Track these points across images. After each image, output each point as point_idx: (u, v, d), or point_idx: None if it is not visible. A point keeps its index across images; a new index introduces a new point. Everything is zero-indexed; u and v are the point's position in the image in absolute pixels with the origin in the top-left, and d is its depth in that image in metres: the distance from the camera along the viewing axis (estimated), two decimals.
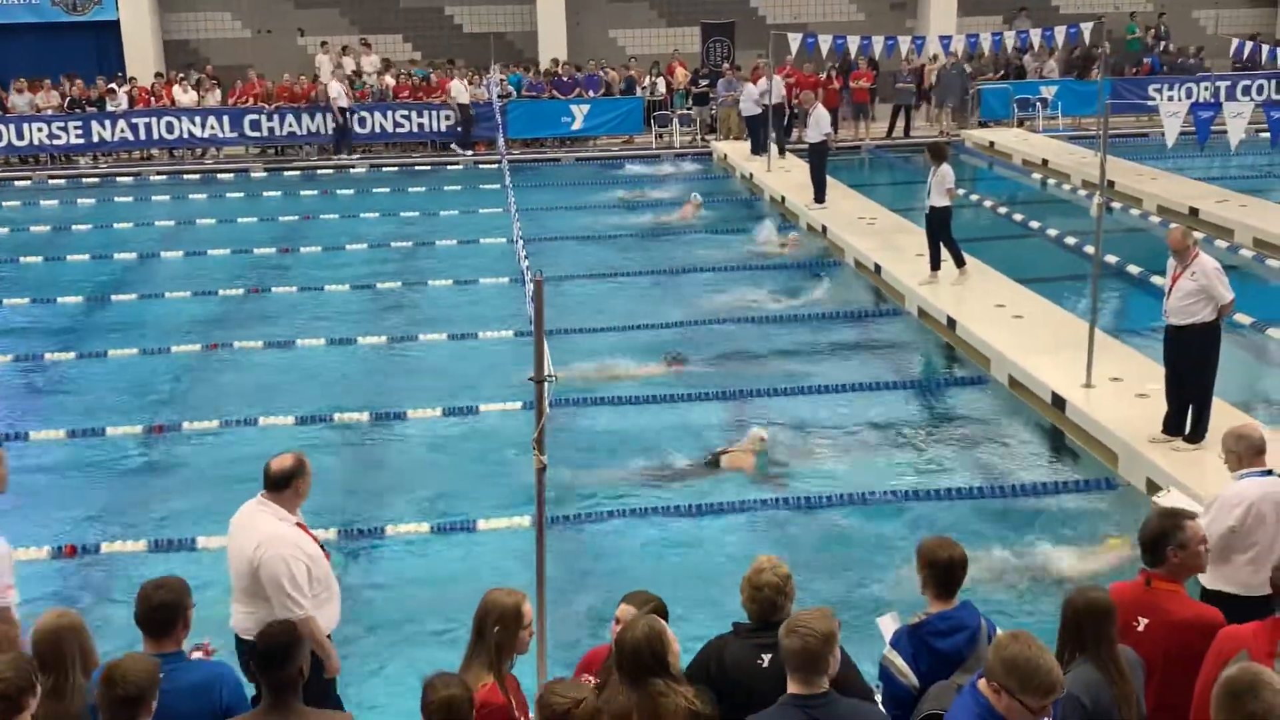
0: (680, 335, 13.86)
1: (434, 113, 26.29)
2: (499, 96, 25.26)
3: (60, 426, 11.28)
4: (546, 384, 5.70)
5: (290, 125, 26.00)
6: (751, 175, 22.89)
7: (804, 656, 4.13)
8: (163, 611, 4.67)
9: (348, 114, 25.60)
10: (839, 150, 21.69)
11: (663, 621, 4.53)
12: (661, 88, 27.30)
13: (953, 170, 14.51)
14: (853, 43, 24.42)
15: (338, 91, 25.38)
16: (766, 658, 4.56)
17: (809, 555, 8.56)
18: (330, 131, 25.86)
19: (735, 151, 24.92)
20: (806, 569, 7.75)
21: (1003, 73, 28.39)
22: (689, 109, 27.41)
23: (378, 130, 26.40)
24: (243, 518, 5.82)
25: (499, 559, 8.47)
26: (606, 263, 17.17)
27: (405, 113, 26.25)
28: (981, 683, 4.06)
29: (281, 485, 5.77)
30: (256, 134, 25.97)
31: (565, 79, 27.07)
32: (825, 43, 23.67)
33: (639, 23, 29.71)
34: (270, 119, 25.81)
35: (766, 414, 11.36)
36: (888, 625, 5.30)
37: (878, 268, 15.78)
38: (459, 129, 26.15)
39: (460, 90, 25.79)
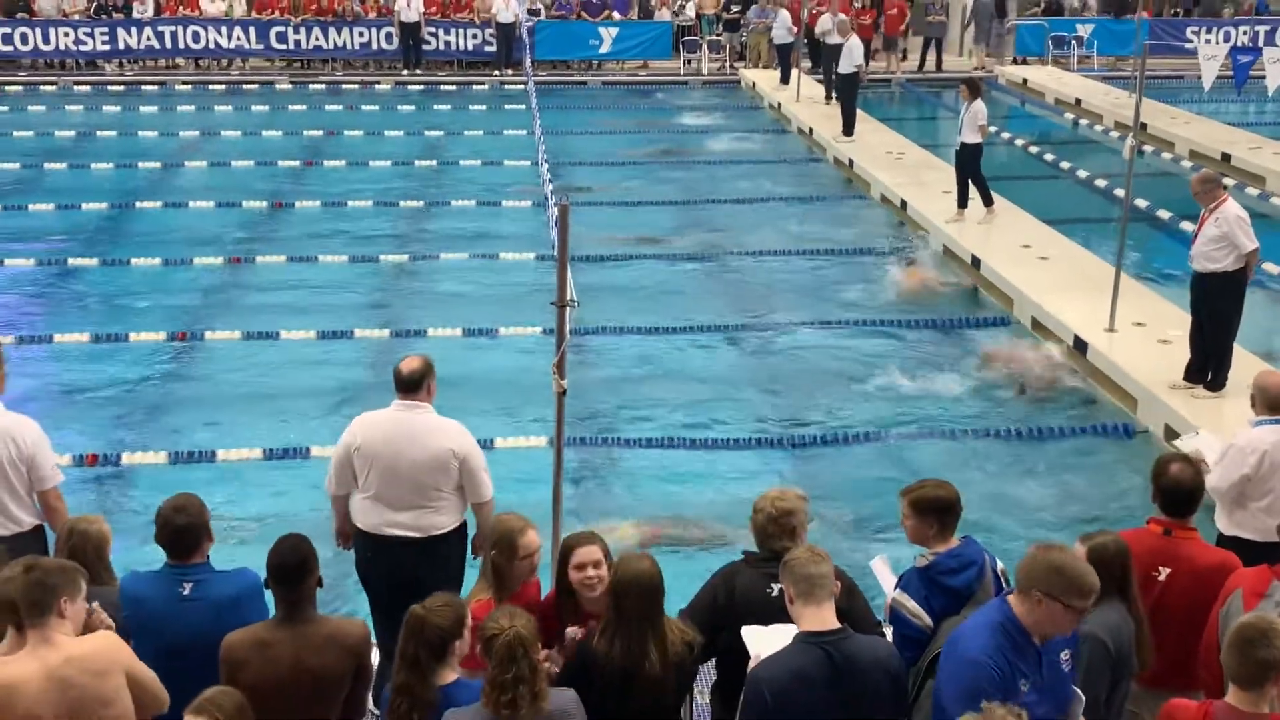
0: (699, 264, 13.84)
1: (462, 31, 26.00)
2: (528, 14, 24.99)
3: (84, 330, 11.35)
4: (568, 309, 5.71)
5: (317, 39, 25.76)
6: (780, 105, 22.64)
7: (810, 581, 4.13)
8: (186, 534, 4.71)
9: (417, 28, 25.32)
10: (869, 83, 21.35)
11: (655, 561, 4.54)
12: (690, 12, 26.91)
13: (986, 107, 14.32)
14: None
15: (404, 5, 25.13)
16: (776, 587, 4.57)
17: (815, 489, 8.59)
18: (398, 46, 25.63)
19: (764, 80, 24.62)
20: (816, 504, 7.78)
21: (1041, 7, 27.88)
22: (718, 35, 27.04)
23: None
24: (403, 424, 5.72)
25: (514, 480, 8.52)
26: (631, 187, 17.08)
27: (432, 30, 25.96)
28: (1013, 598, 4.10)
29: (416, 386, 5.75)
30: (283, 46, 25.74)
31: (594, 1, 26.71)
32: None
33: None
34: (297, 31, 25.57)
35: (779, 349, 11.37)
36: (881, 569, 5.32)
37: (904, 203, 15.64)
38: (498, 48, 25.80)
39: (502, 8, 25.44)
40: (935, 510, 4.79)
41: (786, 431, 9.69)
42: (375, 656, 5.24)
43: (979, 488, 8.39)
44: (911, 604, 4.75)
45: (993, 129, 15.69)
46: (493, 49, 25.88)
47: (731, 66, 26.77)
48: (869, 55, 21.95)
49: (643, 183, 17.60)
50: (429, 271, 13.59)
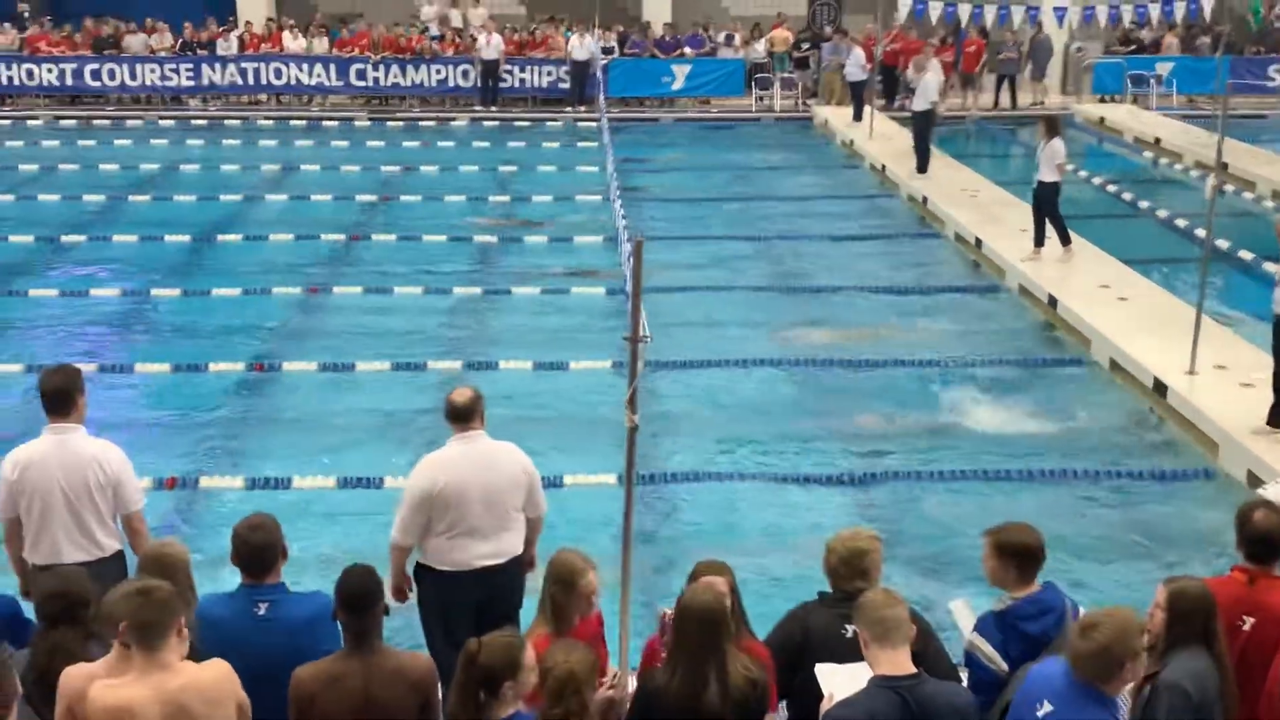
0: (774, 300, 13.82)
1: (537, 68, 26.31)
2: (602, 51, 25.25)
3: (165, 360, 11.58)
4: (641, 344, 5.71)
5: (395, 76, 26.20)
6: (852, 141, 22.59)
7: (884, 625, 4.10)
8: (263, 552, 4.78)
9: (496, 66, 25.71)
10: (944, 120, 21.26)
11: (723, 589, 4.55)
12: (762, 49, 26.99)
13: (1064, 145, 14.18)
14: (964, 10, 23.93)
15: (484, 43, 25.57)
16: (851, 628, 4.53)
17: (889, 528, 8.50)
18: (476, 83, 26.05)
19: (837, 117, 24.61)
20: (886, 543, 7.69)
21: (1134, 46, 27.51)
22: (791, 72, 27.09)
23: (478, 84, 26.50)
24: (475, 455, 5.77)
25: (583, 517, 8.53)
26: (703, 224, 17.11)
27: (509, 68, 26.29)
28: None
29: (472, 415, 5.81)
30: (362, 83, 26.23)
31: (667, 39, 26.91)
32: (935, 9, 23.24)
33: None
34: (376, 69, 26.04)
35: (852, 385, 11.31)
36: (961, 611, 5.25)
37: (979, 241, 15.50)
38: (572, 86, 26.08)
39: (578, 46, 25.74)
40: (1016, 554, 4.72)
41: (861, 468, 9.59)
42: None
43: (1055, 529, 8.23)
44: (987, 648, 4.69)
45: (1069, 167, 15.52)
46: (567, 86, 26.15)
47: (804, 103, 26.80)
48: (944, 91, 21.80)
49: (714, 218, 17.63)
50: (500, 304, 13.70)
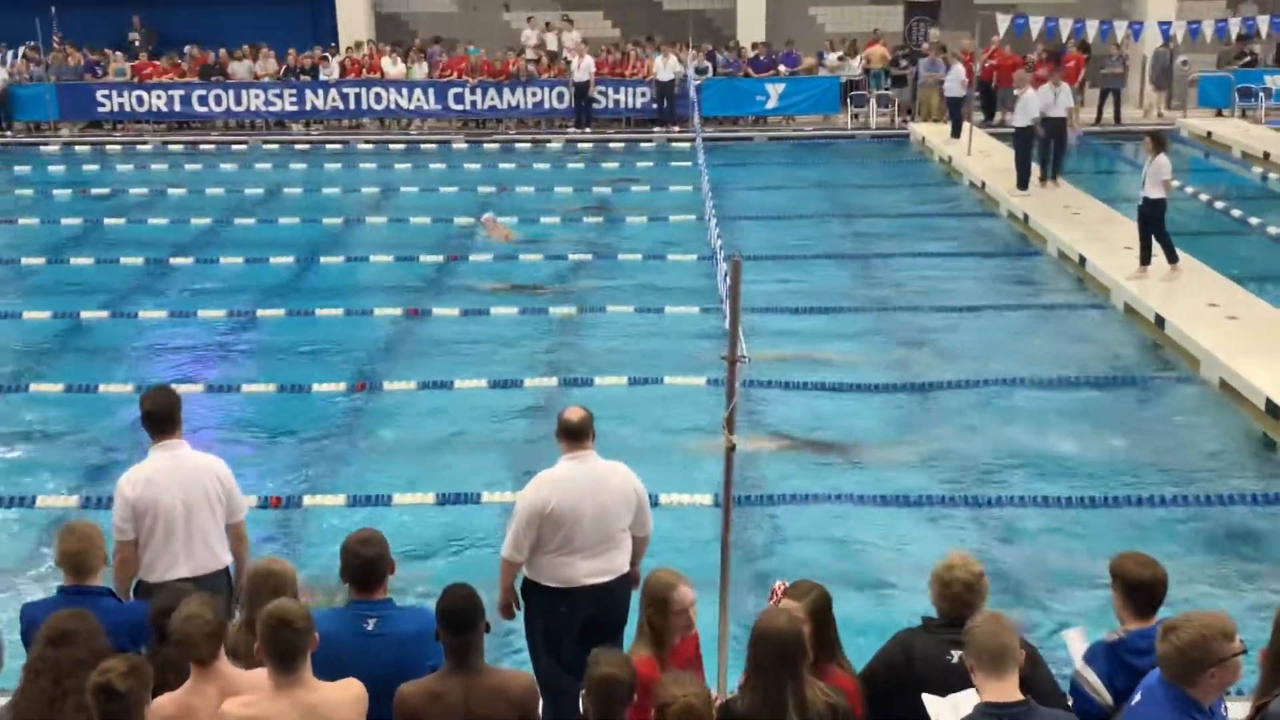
0: (873, 319, 13.69)
1: (631, 89, 26.48)
2: (695, 72, 25.31)
3: (270, 380, 11.84)
4: (739, 364, 5.69)
5: (492, 99, 26.55)
6: (950, 159, 22.32)
7: (994, 653, 4.02)
8: (374, 566, 4.85)
9: (587, 88, 25.99)
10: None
11: (799, 613, 4.50)
12: (858, 66, 26.81)
13: (1170, 161, 13.85)
14: (1065, 25, 23.53)
15: (576, 65, 25.87)
16: (956, 654, 4.46)
17: (994, 552, 8.34)
18: (570, 104, 26.32)
19: (934, 134, 24.34)
20: (992, 568, 7.55)
21: (1248, 59, 26.78)
22: (887, 89, 26.87)
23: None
24: (588, 474, 5.80)
25: (679, 537, 8.50)
26: (799, 243, 17.03)
27: (603, 89, 26.50)
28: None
29: (585, 434, 5.85)
30: (459, 107, 26.62)
31: (761, 58, 26.90)
32: (1036, 24, 22.89)
33: (842, 0, 29.26)
34: (474, 93, 26.42)
35: (954, 407, 11.14)
36: (1074, 640, 5.11)
37: (1082, 259, 15.19)
38: (657, 106, 26.22)
39: (663, 67, 25.88)
40: (1130, 586, 4.60)
41: (965, 491, 9.43)
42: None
43: (1164, 551, 7.97)
44: (1094, 679, 4.57)
45: (1175, 183, 15.14)
46: (660, 106, 26.29)
47: (900, 120, 26.56)
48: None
49: (810, 237, 17.52)
50: (595, 323, 13.76)
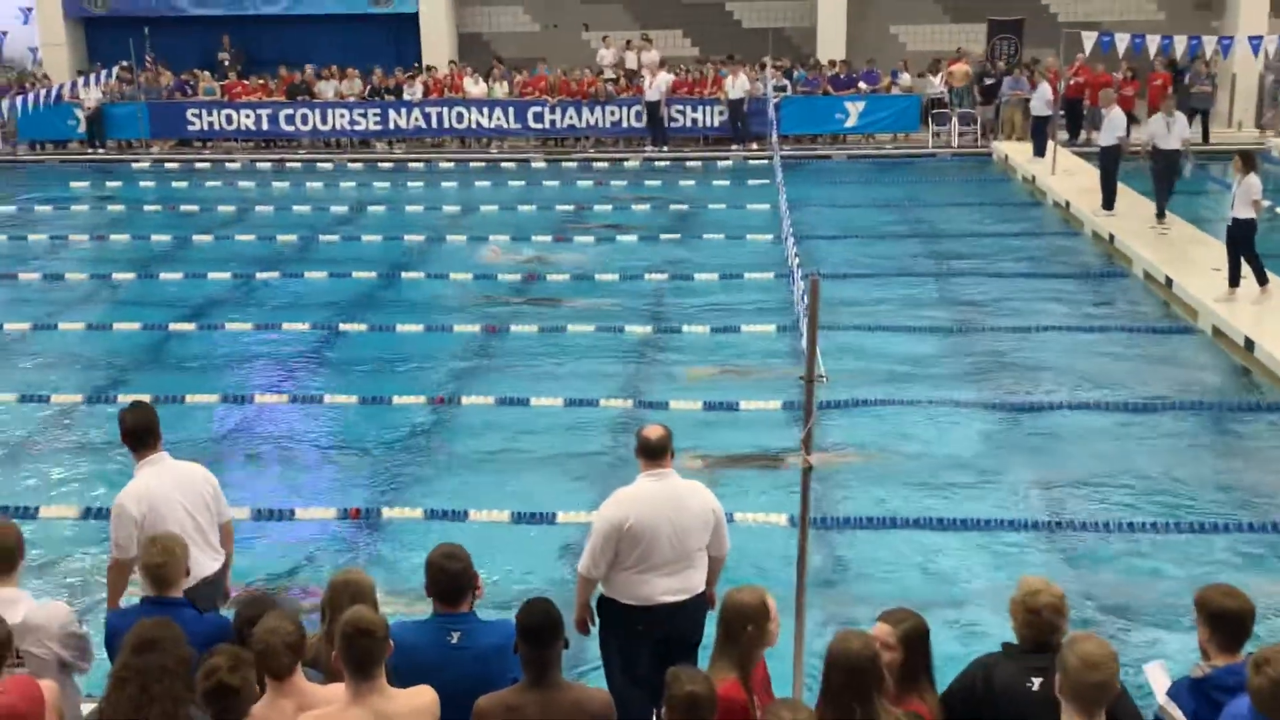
0: (953, 340, 13.54)
1: (707, 108, 26.52)
2: (774, 89, 25.27)
3: (352, 393, 12.00)
4: (816, 384, 5.65)
5: (571, 118, 26.74)
6: (1034, 178, 22.01)
7: (1091, 685, 3.94)
8: (460, 579, 4.90)
9: (659, 106, 26.12)
10: (1131, 155, 20.51)
11: (877, 637, 4.45)
12: (938, 84, 26.56)
13: (1260, 181, 13.53)
14: (1151, 43, 23.11)
15: (649, 85, 26.06)
16: (1037, 681, 4.38)
17: (1079, 579, 8.18)
18: (645, 123, 26.46)
19: (1017, 153, 24.02)
20: (1076, 594, 7.40)
21: None
22: (969, 107, 26.59)
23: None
24: (667, 493, 5.80)
25: (754, 558, 8.46)
26: (878, 262, 16.91)
27: (680, 108, 26.58)
28: None
29: (664, 452, 5.86)
30: (539, 126, 26.85)
31: (841, 76, 26.79)
32: (1122, 42, 22.52)
33: (923, 18, 29.08)
34: (553, 112, 26.64)
35: (1038, 427, 10.96)
36: (1156, 674, 4.99)
37: (1169, 281, 14.88)
38: (732, 124, 26.25)
39: (732, 85, 25.91)
40: (1217, 618, 4.46)
41: (1049, 515, 9.27)
42: None
43: (1253, 584, 7.78)
44: (1178, 715, 4.44)
45: (1267, 203, 14.78)
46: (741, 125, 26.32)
47: (982, 139, 26.27)
48: (1131, 127, 21.00)
49: (889, 256, 17.38)
50: (671, 343, 13.76)
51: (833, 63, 27.29)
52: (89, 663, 5.09)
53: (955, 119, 26.16)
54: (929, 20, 29.07)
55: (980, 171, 24.34)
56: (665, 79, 26.24)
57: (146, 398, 11.68)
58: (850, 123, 26.46)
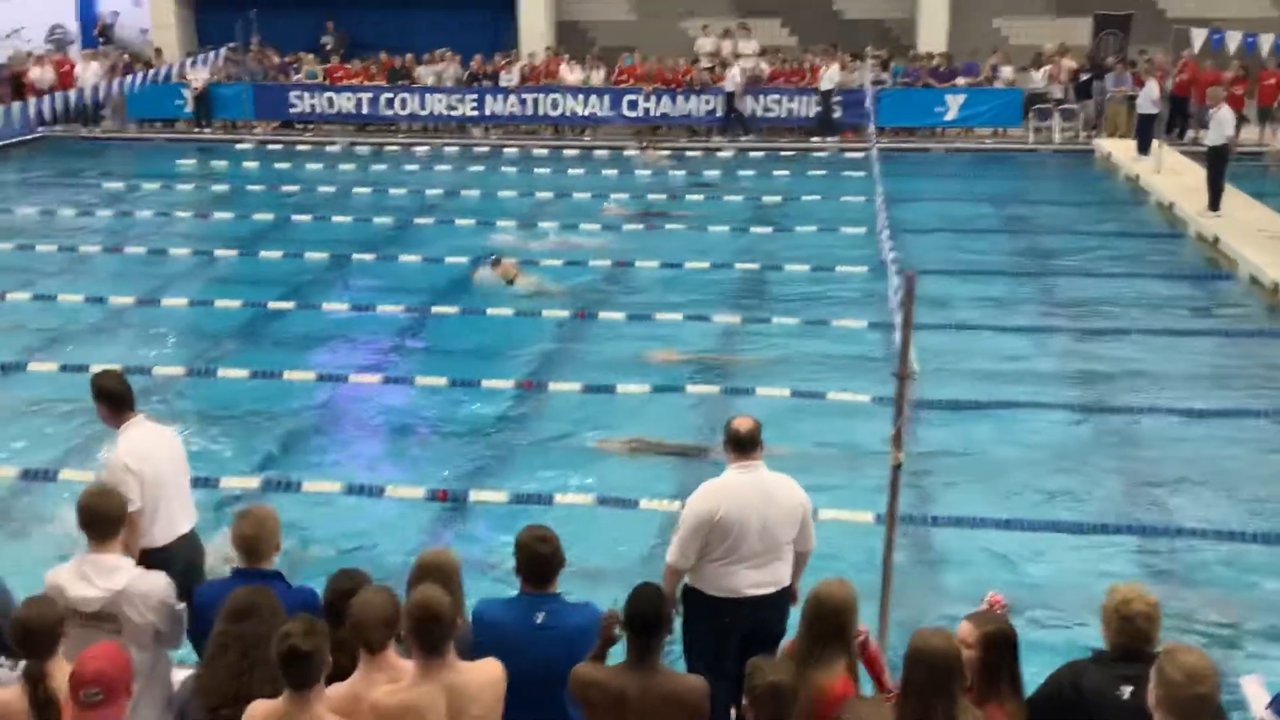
0: (1050, 340, 13.30)
1: (802, 98, 26.34)
2: (872, 83, 25.00)
3: (441, 374, 12.15)
4: (908, 381, 5.61)
5: (665, 106, 26.74)
6: (1137, 176, 21.50)
7: (1198, 703, 3.86)
8: (550, 561, 4.94)
9: (734, 98, 26.05)
10: (1240, 155, 19.98)
11: (960, 636, 4.41)
12: (1042, 79, 26.03)
13: None
14: (1265, 40, 22.38)
15: (728, 75, 25.98)
16: (1128, 690, 4.30)
17: (1173, 586, 7.99)
18: (721, 113, 26.41)
19: (1121, 150, 23.47)
20: (1171, 602, 7.22)
21: None
22: (1073, 103, 26.03)
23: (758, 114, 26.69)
24: (757, 485, 5.80)
25: (838, 554, 8.39)
26: (974, 259, 16.66)
27: (776, 98, 26.42)
28: None
29: (755, 445, 5.84)
30: (634, 114, 26.89)
31: (941, 68, 26.41)
32: (1233, 40, 21.86)
33: (1028, 11, 28.51)
34: (648, 100, 26.65)
35: (1135, 432, 10.73)
36: (1254, 687, 4.86)
37: (1276, 286, 14.43)
38: (822, 115, 26.08)
39: (824, 76, 25.70)
40: None
41: (1145, 521, 9.07)
42: None
43: None
44: None
45: None
46: (836, 115, 26.08)
47: (1085, 136, 25.70)
48: (1240, 126, 20.46)
49: (986, 254, 17.12)
50: (760, 333, 13.71)
51: (930, 55, 26.91)
52: (181, 636, 5.21)
53: (1058, 114, 25.62)
54: (1033, 14, 28.50)
55: (1082, 169, 23.84)
56: (741, 70, 26.08)
57: (245, 373, 12.09)
58: (950, 116, 26.08)
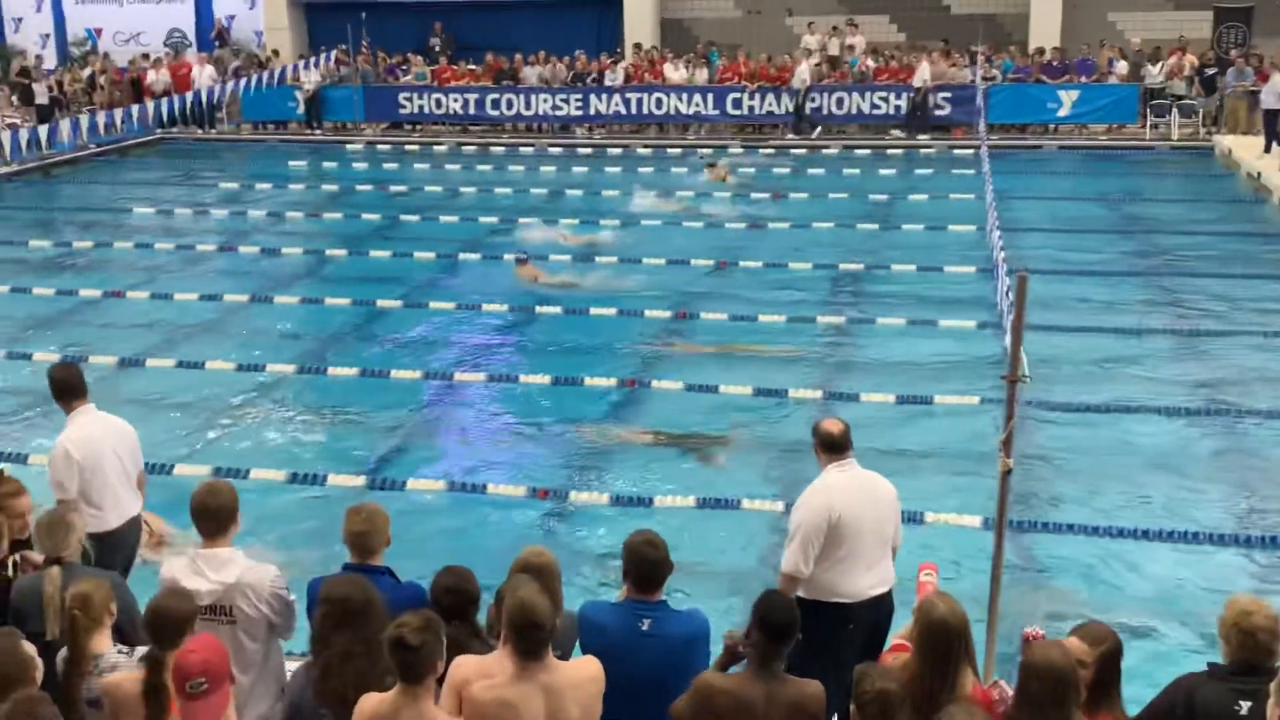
0: (1167, 342, 12.92)
1: (895, 95, 25.99)
2: (982, 79, 24.56)
3: (545, 373, 12.23)
4: (1019, 384, 5.47)
5: (770, 104, 26.59)
6: (1259, 175, 20.75)
7: None
8: (660, 568, 4.92)
9: (801, 94, 25.88)
10: None
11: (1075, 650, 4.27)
12: (1157, 74, 25.28)
13: None
14: None
15: (797, 71, 25.87)
16: (1245, 705, 4.15)
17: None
18: (789, 110, 26.29)
19: (1242, 147, 22.68)
20: None
21: None
22: (1191, 99, 25.24)
23: (833, 112, 26.42)
24: (860, 483, 5.78)
25: (945, 558, 8.23)
26: (1088, 259, 16.25)
27: (883, 94, 26.11)
28: None
29: (848, 444, 5.82)
30: (737, 112, 26.77)
31: (1055, 63, 25.82)
32: None
33: (1144, 6, 27.72)
34: (751, 98, 26.52)
35: (1254, 439, 10.36)
36: None
37: None
38: (911, 112, 25.73)
39: (917, 73, 25.39)
40: None
41: (1259, 532, 8.74)
42: None
43: None
44: None
45: None
46: (944, 112, 25.70)
47: (1205, 132, 24.91)
48: None
49: (1100, 253, 16.69)
50: (865, 334, 13.54)
51: (1040, 50, 26.34)
52: (294, 626, 5.31)
53: (1175, 110, 24.87)
54: (1149, 8, 27.69)
55: (1201, 166, 23.10)
56: (807, 68, 25.89)
57: (354, 371, 12.31)
58: (1063, 112, 25.48)
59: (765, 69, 26.82)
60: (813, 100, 26.13)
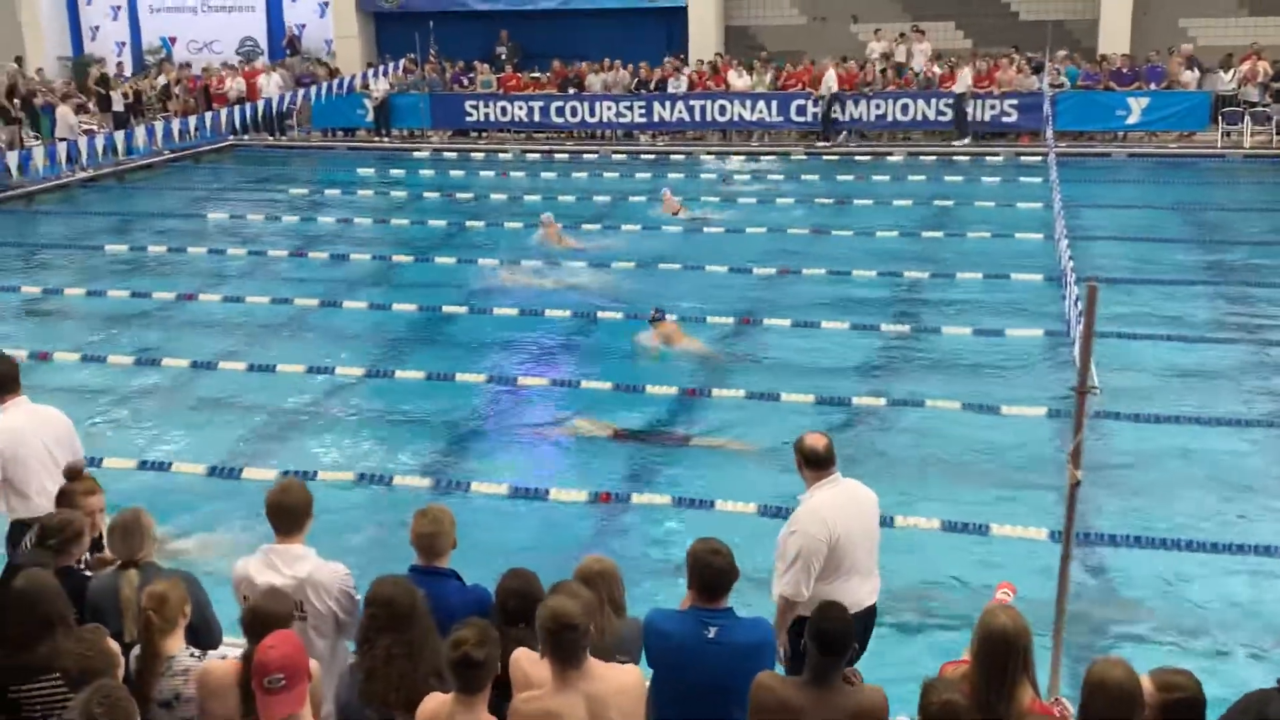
0: (1240, 353, 12.70)
1: (936, 101, 25.78)
2: (1050, 86, 24.29)
3: (607, 380, 12.29)
4: (1088, 396, 5.42)
5: (834, 111, 26.43)
6: None
7: None
8: (725, 576, 4.93)
9: (829, 101, 25.82)
10: None
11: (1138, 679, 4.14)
12: (1231, 80, 24.83)
13: None
14: None
15: (823, 80, 25.88)
16: None
17: None
18: (929, 118, 26.20)
19: None
20: None
21: None
22: (1266, 105, 24.76)
23: (873, 118, 26.29)
24: (848, 496, 5.86)
25: (1011, 572, 8.16)
26: (1158, 268, 16.01)
27: (907, 101, 25.93)
28: None
29: (832, 460, 5.86)
30: (801, 119, 26.70)
31: (1124, 70, 25.47)
32: None
33: (1216, 11, 27.27)
34: (815, 104, 26.43)
35: None
36: None
37: None
38: (956, 118, 25.54)
39: (958, 80, 25.26)
40: None
41: None
42: None
43: None
44: None
45: None
46: (1010, 120, 25.43)
47: (1279, 140, 24.42)
48: None
49: (1171, 263, 16.43)
50: (929, 342, 13.45)
51: (1105, 58, 25.98)
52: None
53: (1248, 118, 24.42)
54: (1222, 13, 27.24)
55: (1274, 175, 22.66)
56: (833, 75, 25.79)
57: (420, 374, 12.45)
58: (1132, 119, 25.12)
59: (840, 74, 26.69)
60: (839, 107, 26.07)
